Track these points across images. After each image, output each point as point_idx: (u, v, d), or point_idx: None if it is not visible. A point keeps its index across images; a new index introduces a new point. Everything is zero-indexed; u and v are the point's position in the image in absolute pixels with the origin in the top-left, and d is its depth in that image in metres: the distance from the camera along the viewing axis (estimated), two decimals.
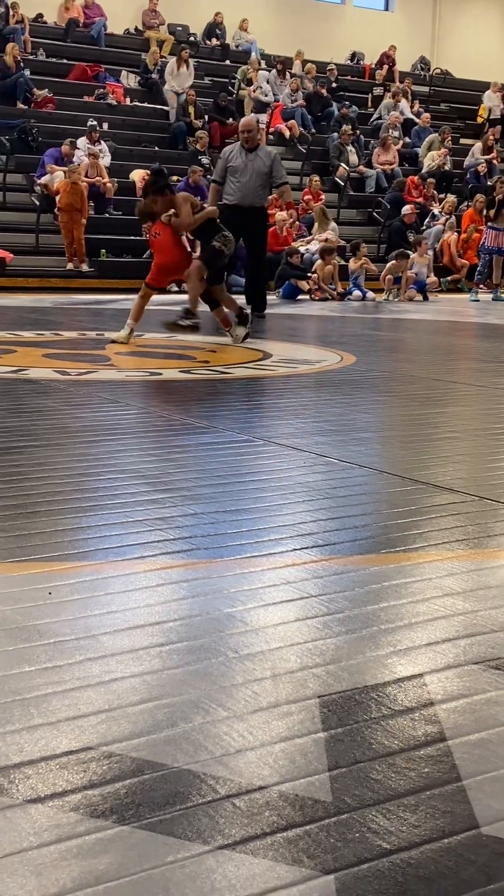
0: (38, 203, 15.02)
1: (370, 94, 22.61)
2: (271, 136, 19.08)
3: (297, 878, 1.31)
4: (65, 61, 19.47)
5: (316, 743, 1.67)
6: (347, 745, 1.66)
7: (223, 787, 1.52)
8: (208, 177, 16.74)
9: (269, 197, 11.39)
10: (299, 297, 14.21)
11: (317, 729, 1.72)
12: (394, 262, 15.14)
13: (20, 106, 17.32)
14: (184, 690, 1.85)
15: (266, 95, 19.96)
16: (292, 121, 19.48)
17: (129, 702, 1.80)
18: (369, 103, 22.32)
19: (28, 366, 6.31)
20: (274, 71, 20.94)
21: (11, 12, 18.91)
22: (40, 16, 20.47)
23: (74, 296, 13.35)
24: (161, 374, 6.29)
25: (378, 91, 22.59)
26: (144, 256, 14.90)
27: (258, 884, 1.30)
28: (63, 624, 2.15)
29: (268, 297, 11.22)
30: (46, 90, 17.75)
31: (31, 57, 18.89)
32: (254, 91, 19.93)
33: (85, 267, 14.57)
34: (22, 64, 17.80)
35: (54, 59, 19.47)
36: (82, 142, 15.93)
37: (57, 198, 14.47)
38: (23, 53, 18.28)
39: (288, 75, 20.90)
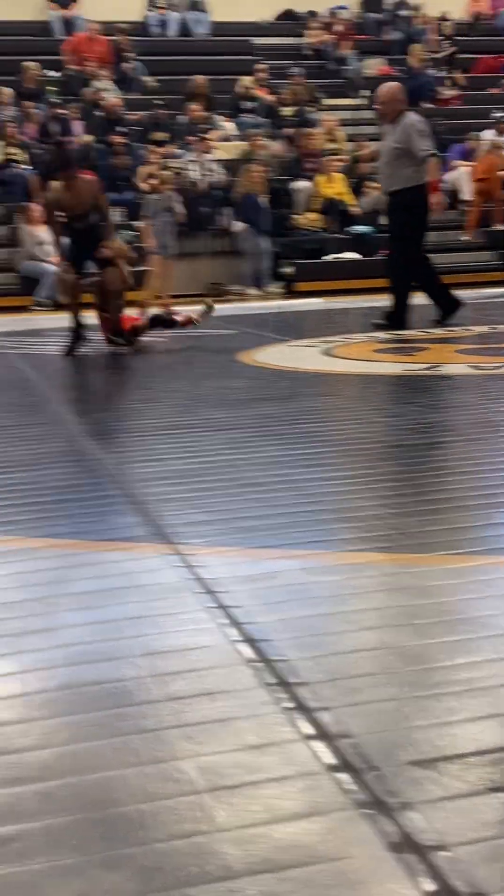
0: (447, 200, 15.07)
1: None
2: None
3: None
4: (470, 56, 19.36)
5: None
6: None
7: None
8: None
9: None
10: None
11: None
12: None
13: (425, 105, 17.45)
14: None
15: None
16: None
17: None
18: None
19: (442, 362, 6.34)
20: None
21: (417, 14, 19.13)
22: (446, 14, 20.50)
23: (483, 290, 13.23)
24: None
25: None
26: None
27: None
28: None
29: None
30: (454, 87, 17.74)
31: (436, 55, 18.98)
32: None
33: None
34: (431, 63, 17.95)
35: (459, 55, 19.42)
36: (489, 134, 15.76)
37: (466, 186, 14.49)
38: (429, 53, 18.42)
39: None
